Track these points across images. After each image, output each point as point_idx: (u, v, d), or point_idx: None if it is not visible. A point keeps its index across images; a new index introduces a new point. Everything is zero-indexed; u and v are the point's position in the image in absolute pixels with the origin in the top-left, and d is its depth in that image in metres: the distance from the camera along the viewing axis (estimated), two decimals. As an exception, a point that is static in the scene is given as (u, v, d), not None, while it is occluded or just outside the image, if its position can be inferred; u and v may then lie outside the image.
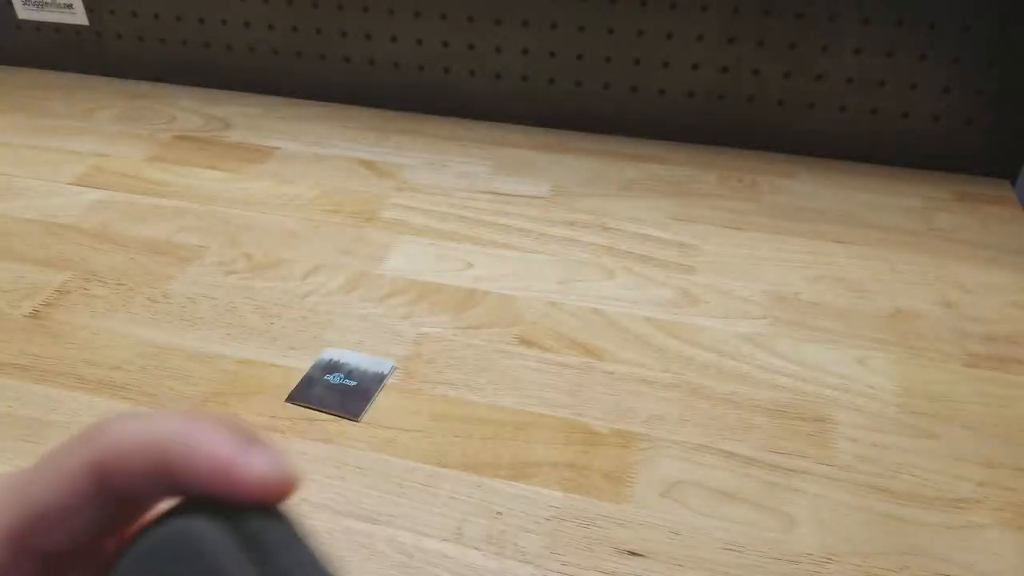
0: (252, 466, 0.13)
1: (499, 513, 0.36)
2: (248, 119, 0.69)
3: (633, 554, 0.34)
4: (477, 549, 0.35)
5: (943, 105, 0.59)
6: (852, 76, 0.60)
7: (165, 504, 0.14)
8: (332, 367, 0.43)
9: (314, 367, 0.43)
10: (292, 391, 0.42)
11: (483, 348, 0.45)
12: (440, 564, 0.34)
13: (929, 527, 0.36)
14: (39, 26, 0.75)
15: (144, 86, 0.74)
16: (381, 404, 0.42)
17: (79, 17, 0.73)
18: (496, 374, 0.43)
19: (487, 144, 0.66)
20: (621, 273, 0.51)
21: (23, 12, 0.74)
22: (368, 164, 0.64)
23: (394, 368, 0.44)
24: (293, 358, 0.44)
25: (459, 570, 0.34)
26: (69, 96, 0.73)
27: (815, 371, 0.44)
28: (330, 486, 0.37)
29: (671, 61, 0.62)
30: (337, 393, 0.42)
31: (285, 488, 0.14)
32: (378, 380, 0.43)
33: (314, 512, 0.36)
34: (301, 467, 0.39)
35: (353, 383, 0.42)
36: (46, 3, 0.73)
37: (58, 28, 0.74)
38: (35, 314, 0.48)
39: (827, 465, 0.39)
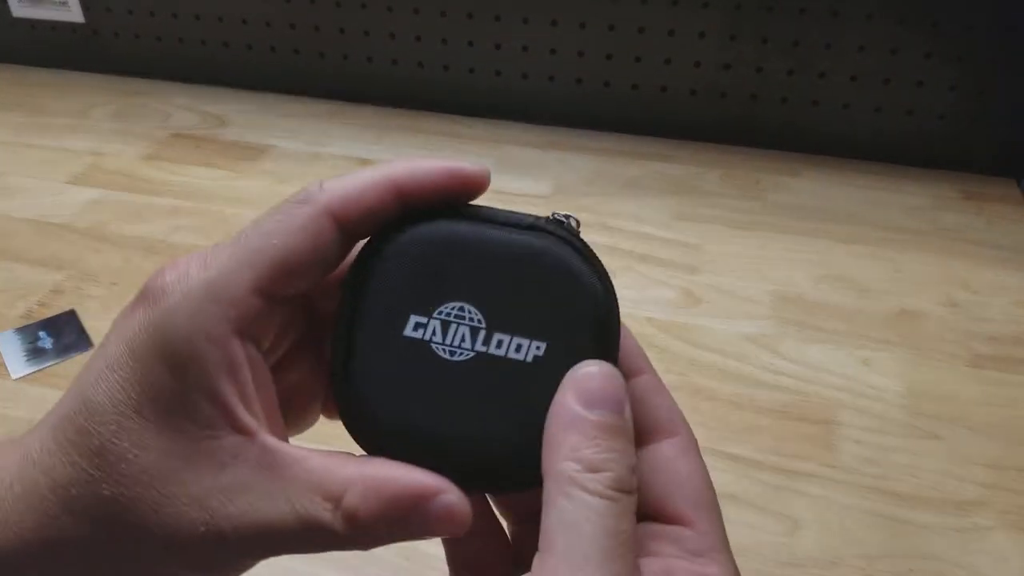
0: (465, 165, 0.17)
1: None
2: (245, 117, 0.69)
3: (635, 558, 0.34)
4: (477, 553, 0.34)
5: (948, 103, 0.59)
6: (856, 74, 0.59)
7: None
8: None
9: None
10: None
11: (483, 349, 0.45)
12: (438, 568, 0.33)
13: (934, 530, 0.35)
14: (34, 23, 0.74)
15: (140, 83, 0.74)
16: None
17: (75, 14, 0.72)
18: (496, 375, 0.43)
19: (487, 142, 0.65)
20: (623, 273, 0.51)
21: (18, 9, 0.74)
22: (366, 162, 0.63)
23: None
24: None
25: (458, 575, 0.33)
26: (64, 94, 0.72)
27: (819, 372, 0.43)
28: (327, 489, 0.37)
29: (673, 58, 0.62)
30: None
31: (488, 179, 0.17)
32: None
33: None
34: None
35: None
36: (41, 0, 0.72)
37: (54, 25, 0.74)
38: (29, 315, 0.47)
39: (832, 467, 0.38)
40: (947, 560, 0.34)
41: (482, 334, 0.15)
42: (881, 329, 0.46)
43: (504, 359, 0.15)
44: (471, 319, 0.16)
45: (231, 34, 0.70)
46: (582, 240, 0.17)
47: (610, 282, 0.17)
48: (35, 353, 0.44)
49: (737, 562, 0.37)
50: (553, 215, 0.17)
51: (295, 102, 0.71)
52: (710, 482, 0.17)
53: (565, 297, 0.16)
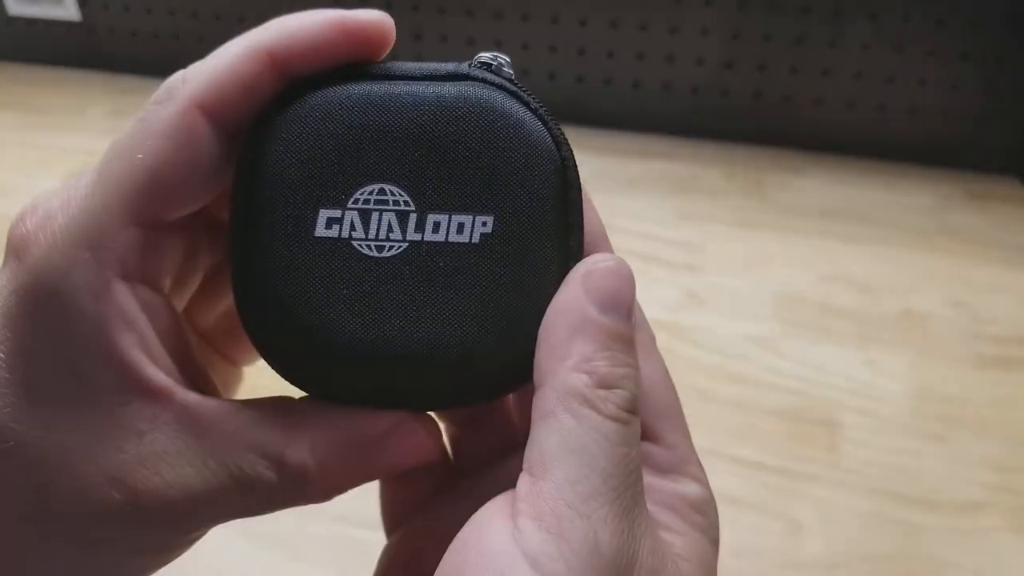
0: (354, 14, 0.14)
1: (500, 520, 0.35)
2: (243, 115, 0.68)
3: (637, 562, 0.34)
4: (477, 557, 0.34)
5: (952, 102, 0.59)
6: (860, 72, 0.59)
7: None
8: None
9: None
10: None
11: (483, 349, 0.44)
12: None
13: (938, 532, 0.35)
14: (30, 21, 0.74)
15: (136, 81, 0.73)
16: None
17: (71, 12, 0.72)
18: (496, 376, 0.43)
19: (487, 140, 0.65)
20: (624, 272, 0.51)
21: (14, 7, 0.73)
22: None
23: None
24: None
25: (459, 579, 0.33)
26: (60, 92, 0.72)
27: (823, 373, 0.43)
28: (326, 492, 0.37)
29: (675, 56, 0.61)
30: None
31: (389, 28, 0.14)
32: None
33: (313, 519, 0.35)
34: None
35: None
36: (38, -3, 0.72)
37: (49, 23, 0.73)
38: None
39: (834, 469, 0.38)
40: (951, 562, 0.34)
41: (413, 219, 0.12)
42: (885, 330, 0.46)
43: (444, 244, 0.12)
44: (396, 202, 0.12)
45: (228, 32, 0.69)
46: (519, 84, 0.14)
47: (562, 132, 0.14)
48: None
49: (739, 564, 0.37)
50: (477, 58, 0.14)
51: (293, 100, 0.70)
52: (672, 384, 0.15)
53: (509, 156, 0.13)
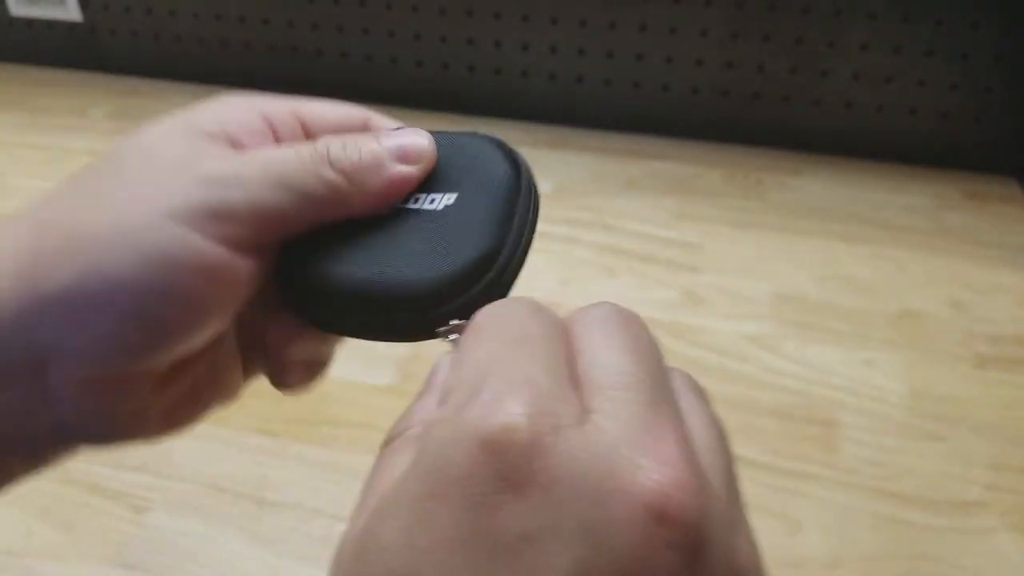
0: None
1: (499, 519, 0.35)
2: (244, 116, 0.68)
3: (636, 561, 0.34)
4: (477, 556, 0.34)
5: (951, 102, 0.59)
6: (858, 72, 0.59)
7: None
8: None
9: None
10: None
11: (483, 349, 0.44)
12: None
13: (936, 531, 0.35)
14: (31, 22, 0.74)
15: (138, 83, 0.73)
16: (378, 406, 0.41)
17: (72, 13, 0.72)
18: (496, 376, 0.43)
19: (487, 141, 0.65)
20: (623, 273, 0.51)
21: (16, 8, 0.73)
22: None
23: None
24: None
25: (458, 578, 0.33)
26: (62, 93, 0.72)
27: (821, 373, 0.43)
28: (326, 491, 0.37)
29: (675, 56, 0.61)
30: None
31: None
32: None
33: (310, 517, 0.35)
34: (297, 472, 0.38)
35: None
36: (39, -2, 0.72)
37: (51, 24, 0.73)
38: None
39: (833, 468, 0.38)
40: (949, 561, 0.34)
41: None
42: (883, 329, 0.46)
43: (419, 210, 0.18)
44: None
45: (229, 32, 0.70)
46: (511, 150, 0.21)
47: (526, 169, 0.21)
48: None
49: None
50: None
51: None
52: None
53: (478, 170, 0.20)
